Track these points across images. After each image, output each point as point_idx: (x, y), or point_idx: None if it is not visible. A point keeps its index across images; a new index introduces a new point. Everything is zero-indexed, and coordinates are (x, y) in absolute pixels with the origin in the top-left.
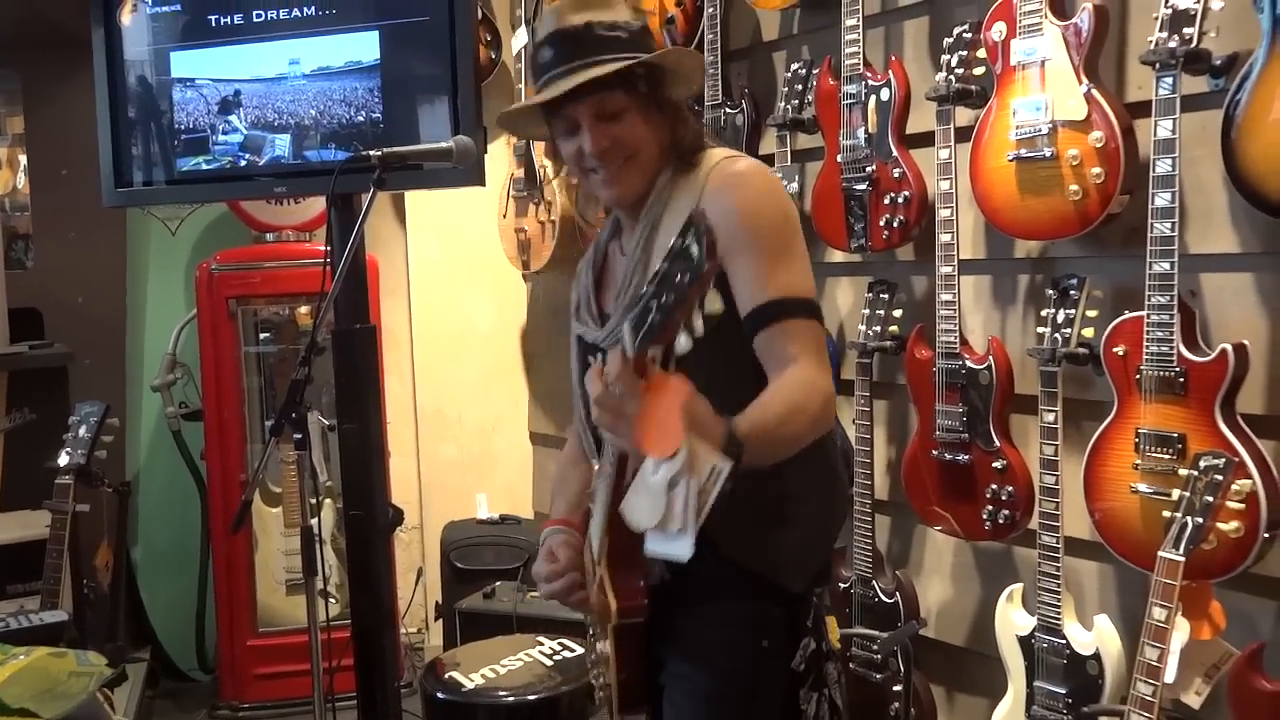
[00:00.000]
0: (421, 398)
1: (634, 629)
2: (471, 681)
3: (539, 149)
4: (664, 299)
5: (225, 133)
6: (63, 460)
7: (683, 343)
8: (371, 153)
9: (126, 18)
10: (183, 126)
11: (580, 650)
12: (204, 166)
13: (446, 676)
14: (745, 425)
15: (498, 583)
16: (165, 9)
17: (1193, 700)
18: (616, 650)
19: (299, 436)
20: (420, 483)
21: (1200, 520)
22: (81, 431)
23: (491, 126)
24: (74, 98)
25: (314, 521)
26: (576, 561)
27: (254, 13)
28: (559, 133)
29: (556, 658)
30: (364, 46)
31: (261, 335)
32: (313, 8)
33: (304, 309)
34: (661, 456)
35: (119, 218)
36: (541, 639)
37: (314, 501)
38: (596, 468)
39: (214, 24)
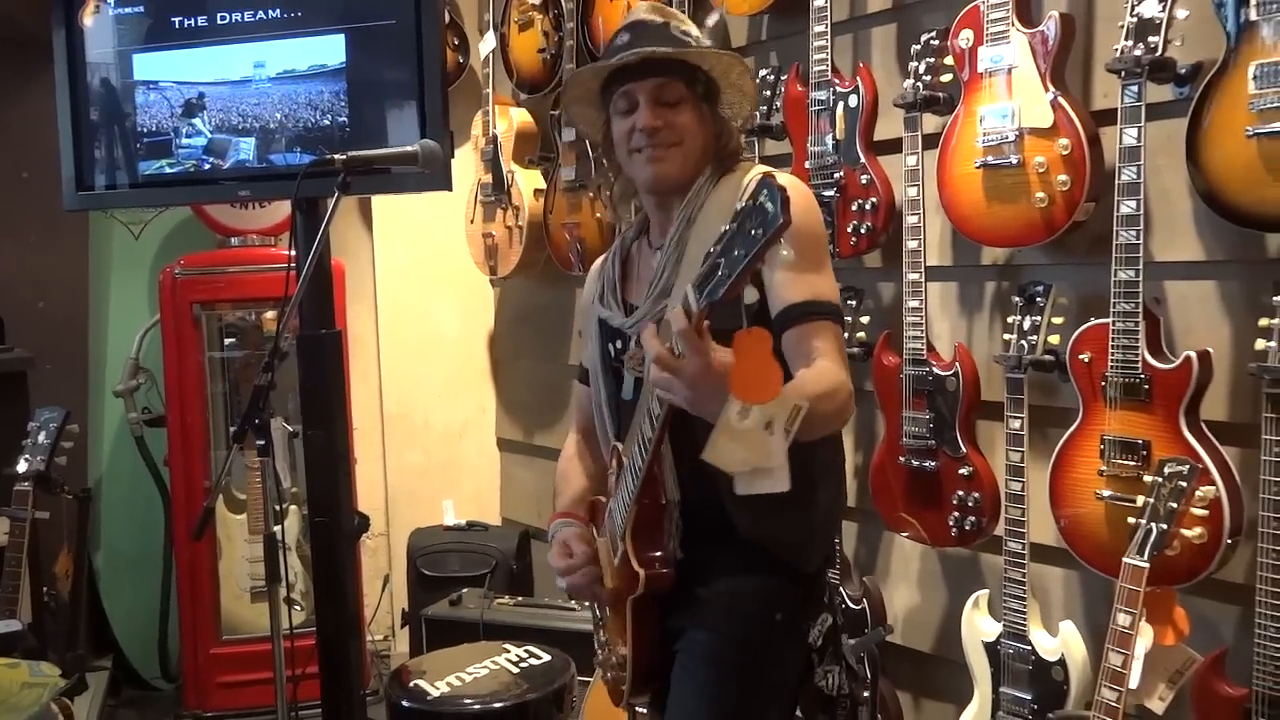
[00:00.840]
0: (388, 404)
1: (652, 604)
2: (437, 689)
3: (506, 154)
4: (735, 252)
5: (189, 136)
6: (21, 467)
7: (751, 296)
8: (336, 156)
9: (89, 19)
10: (146, 129)
11: (547, 658)
12: (167, 170)
13: (412, 684)
14: (795, 389)
15: (464, 589)
16: (128, 10)
17: (1156, 706)
18: (634, 625)
19: (262, 443)
20: (387, 489)
21: (1165, 526)
22: (41, 438)
23: (456, 125)
24: (34, 100)
25: (278, 528)
26: (592, 554)
27: (218, 15)
28: (617, 110)
29: (523, 665)
30: (330, 50)
31: (226, 340)
32: (278, 10)
33: (269, 314)
34: (763, 401)
35: (81, 221)
36: (508, 646)
37: (278, 508)
38: (619, 447)
39: (178, 26)
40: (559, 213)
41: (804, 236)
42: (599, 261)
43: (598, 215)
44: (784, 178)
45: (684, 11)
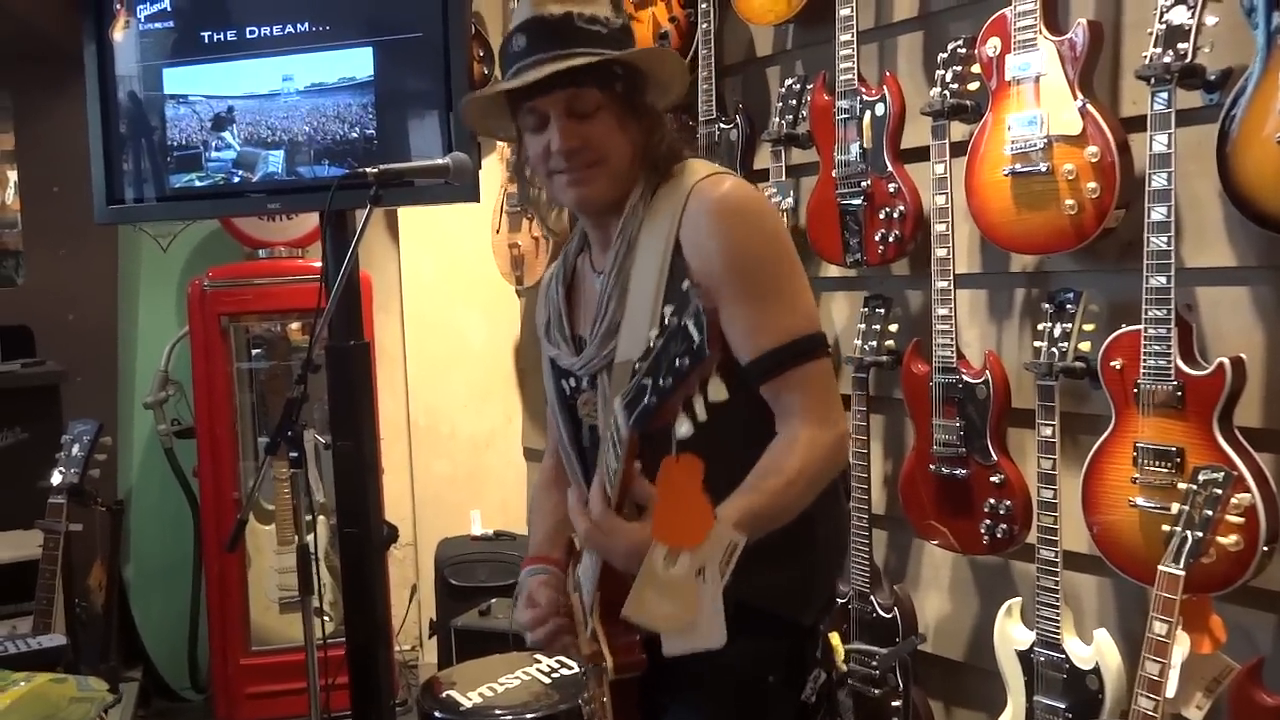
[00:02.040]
0: (415, 414)
1: (630, 681)
2: (469, 700)
3: None
4: (660, 381)
5: (218, 149)
6: (55, 479)
7: (684, 430)
8: (368, 170)
9: (119, 34)
10: (175, 143)
11: (578, 668)
12: (197, 183)
13: (443, 695)
14: (735, 513)
15: (494, 599)
16: (157, 26)
17: (1194, 714)
18: (613, 700)
19: (295, 455)
20: (414, 499)
21: (1200, 534)
22: (74, 450)
23: (485, 140)
24: (65, 114)
25: (310, 539)
26: (558, 604)
27: (247, 29)
28: (526, 127)
29: (554, 675)
30: (358, 63)
31: (253, 351)
32: (306, 24)
33: (295, 325)
34: (692, 545)
35: (110, 234)
36: (539, 656)
37: (309, 519)
38: (578, 496)
39: (207, 41)
40: None
41: (753, 270)
42: (544, 280)
43: None
44: (720, 189)
45: (708, 20)
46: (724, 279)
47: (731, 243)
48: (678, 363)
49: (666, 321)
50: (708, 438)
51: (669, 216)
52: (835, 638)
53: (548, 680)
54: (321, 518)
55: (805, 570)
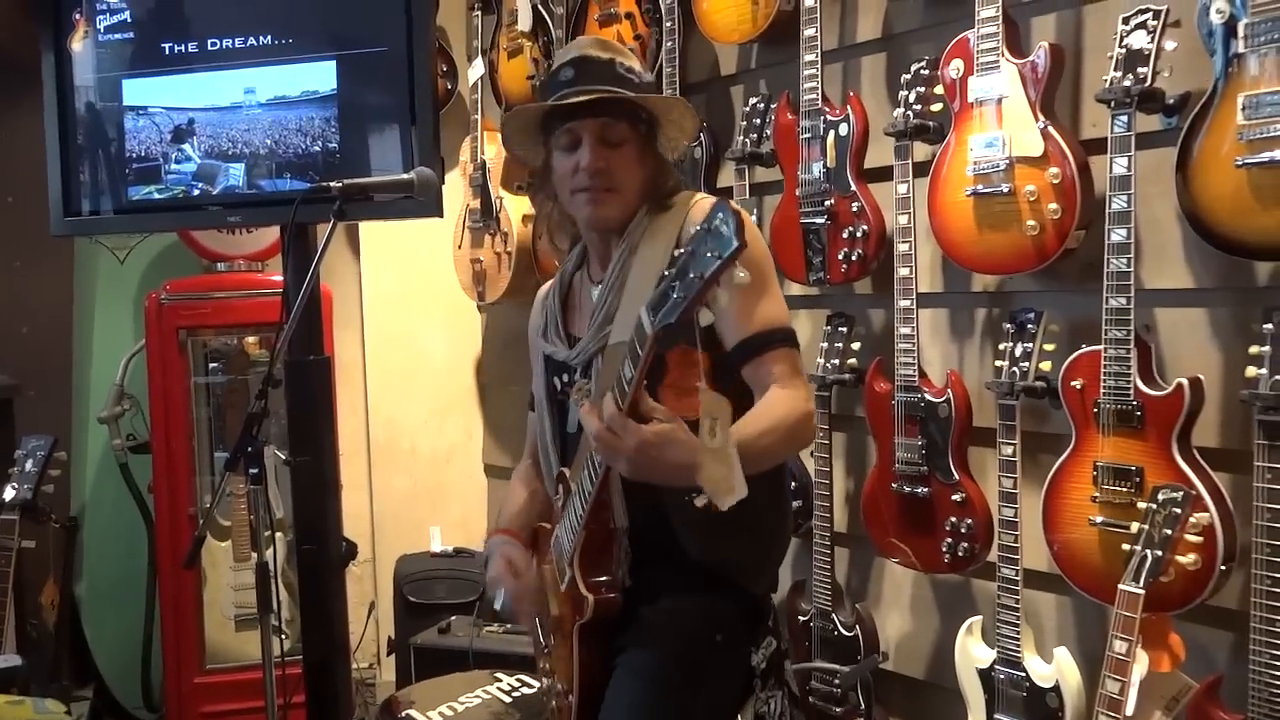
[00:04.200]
0: (374, 429)
1: (599, 630)
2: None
3: (494, 179)
4: (690, 275)
5: (178, 161)
6: (8, 495)
7: (707, 316)
8: (333, 184)
9: (77, 44)
10: (134, 155)
11: (539, 685)
12: (156, 195)
13: (402, 714)
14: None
15: (453, 617)
16: (117, 37)
17: None
18: (581, 652)
19: (255, 471)
20: (373, 515)
21: (1159, 553)
22: (28, 465)
23: (447, 151)
24: (20, 124)
25: (269, 556)
26: (528, 563)
27: (209, 41)
28: (558, 146)
29: (515, 694)
30: (321, 76)
31: (211, 365)
32: (269, 37)
33: (252, 339)
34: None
35: (66, 246)
36: (499, 675)
37: (267, 535)
38: (565, 473)
39: (168, 52)
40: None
41: (753, 263)
42: (541, 292)
43: None
44: (720, 201)
45: (673, 38)
46: None
47: None
48: (709, 255)
49: (696, 230)
50: None
51: (672, 225)
52: None
53: (508, 699)
54: (279, 534)
55: (759, 544)
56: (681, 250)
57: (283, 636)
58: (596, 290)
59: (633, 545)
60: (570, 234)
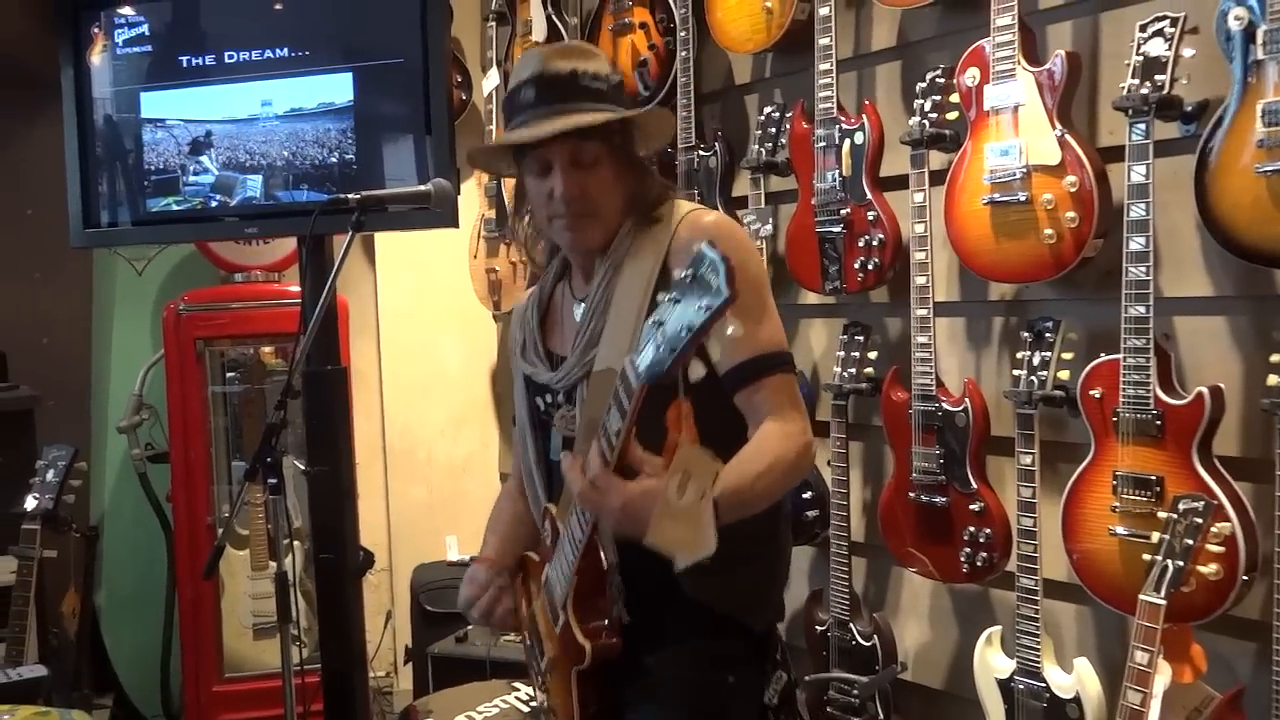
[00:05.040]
0: (391, 439)
1: (597, 673)
2: None
3: (509, 189)
4: (678, 330)
5: (196, 173)
6: (29, 505)
7: (699, 373)
8: (350, 196)
9: (96, 58)
10: (153, 167)
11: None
12: (174, 207)
13: None
14: (719, 488)
15: (470, 626)
16: (135, 50)
17: None
18: (580, 698)
19: (274, 481)
20: (389, 525)
21: (1181, 563)
22: (49, 475)
23: (461, 162)
24: (40, 137)
25: (288, 565)
26: (495, 579)
27: (226, 54)
28: (530, 172)
29: (533, 704)
30: (338, 88)
31: (228, 375)
32: (286, 50)
33: (268, 349)
34: (698, 475)
35: (85, 258)
36: (517, 684)
37: (285, 543)
38: (551, 510)
39: (185, 65)
40: None
41: (749, 285)
42: (519, 307)
43: None
44: (707, 219)
45: (687, 48)
46: None
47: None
48: (697, 307)
49: (681, 276)
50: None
51: (657, 244)
52: None
53: (526, 709)
54: (296, 543)
55: (760, 578)
56: (665, 296)
57: (300, 645)
58: (579, 309)
59: (627, 582)
60: (549, 246)
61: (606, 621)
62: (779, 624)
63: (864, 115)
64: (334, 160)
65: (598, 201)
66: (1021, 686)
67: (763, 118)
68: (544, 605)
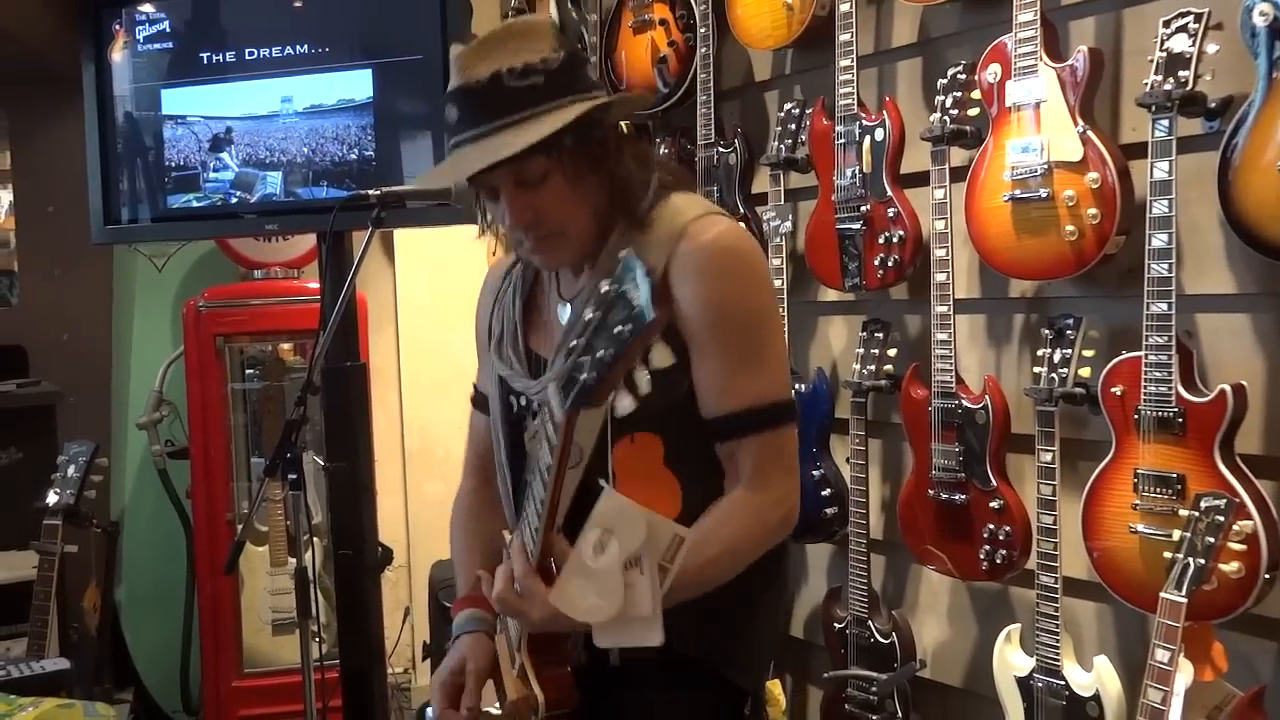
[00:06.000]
0: (409, 435)
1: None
2: None
3: None
4: (599, 354)
5: (216, 170)
6: (51, 500)
7: (625, 404)
8: (371, 192)
9: (117, 55)
10: (173, 163)
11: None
12: (195, 204)
13: None
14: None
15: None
16: (156, 47)
17: None
18: None
19: (294, 477)
20: (408, 521)
21: (1202, 561)
22: (70, 471)
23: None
24: (61, 134)
25: (308, 561)
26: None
27: (246, 51)
28: (483, 196)
29: None
30: (357, 84)
31: (247, 372)
32: (306, 46)
33: (287, 345)
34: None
35: (105, 254)
36: None
37: (305, 539)
38: (511, 538)
39: (206, 62)
40: None
41: (739, 329)
42: (495, 280)
43: None
44: (711, 233)
45: (707, 44)
46: (705, 329)
47: (720, 294)
48: (618, 330)
49: (605, 290)
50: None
51: (660, 250)
52: (776, 685)
53: None
54: (315, 539)
55: (744, 636)
56: (590, 314)
57: (320, 641)
58: (565, 311)
59: None
60: None
61: (566, 668)
62: (765, 679)
63: (884, 112)
64: (353, 157)
65: (557, 220)
66: (1041, 684)
67: (783, 114)
68: (505, 641)
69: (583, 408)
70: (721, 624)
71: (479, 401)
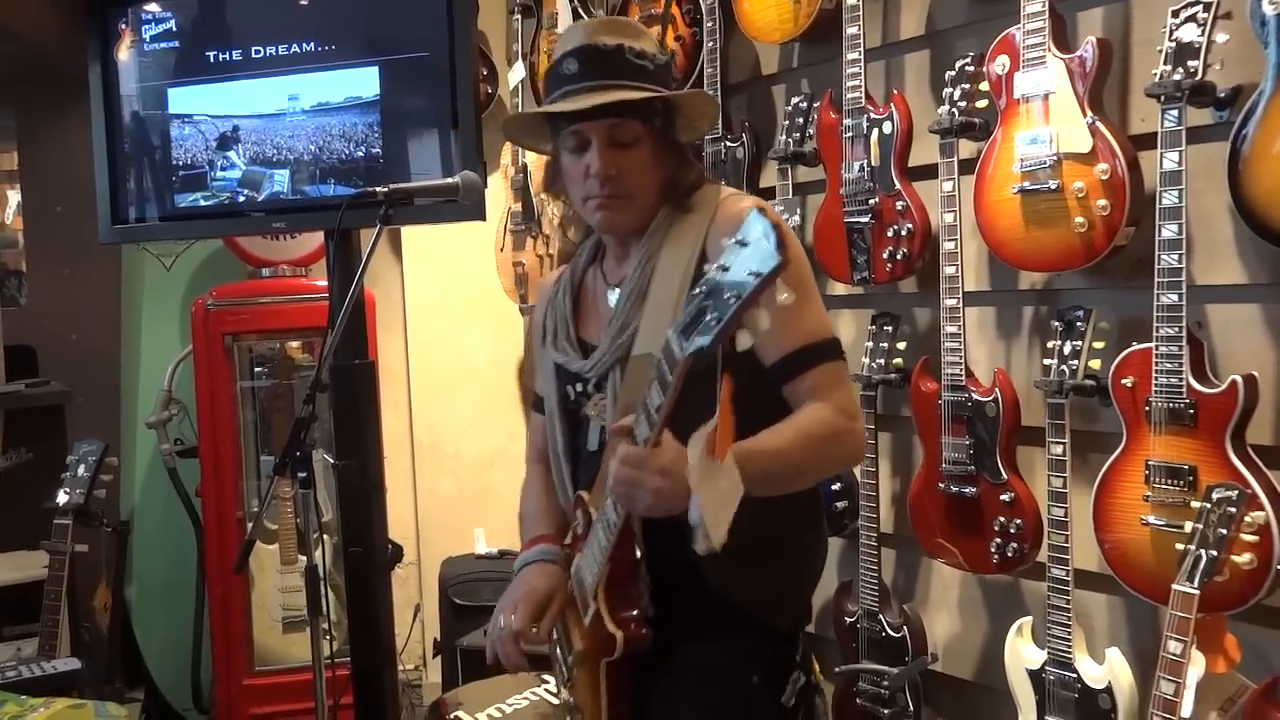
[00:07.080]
0: (418, 432)
1: (623, 665)
2: None
3: (536, 182)
4: (725, 296)
5: (223, 168)
6: (61, 500)
7: (745, 341)
8: (378, 189)
9: (123, 54)
10: (180, 162)
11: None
12: (202, 202)
13: (451, 716)
14: (743, 447)
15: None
16: (162, 46)
17: None
18: (609, 690)
19: (304, 475)
20: (417, 518)
21: (1215, 553)
22: (80, 471)
23: (489, 159)
24: (68, 134)
25: (318, 559)
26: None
27: (252, 49)
28: (566, 147)
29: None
30: (364, 82)
31: (256, 370)
32: (312, 44)
33: (295, 344)
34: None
35: (113, 254)
36: (546, 677)
37: (315, 536)
38: (584, 497)
39: (212, 60)
40: None
41: (793, 272)
42: (548, 288)
43: None
44: (744, 203)
45: (714, 38)
46: None
47: None
48: (748, 275)
49: (734, 241)
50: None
51: (696, 228)
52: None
53: (556, 701)
54: (325, 537)
55: (788, 579)
56: (712, 265)
57: (330, 639)
58: (614, 295)
59: (652, 573)
60: (583, 226)
61: (636, 612)
62: (805, 624)
63: (892, 104)
64: (360, 154)
65: (633, 182)
66: (1053, 677)
67: (790, 108)
68: (573, 597)
69: (705, 349)
70: (754, 569)
71: (536, 404)
